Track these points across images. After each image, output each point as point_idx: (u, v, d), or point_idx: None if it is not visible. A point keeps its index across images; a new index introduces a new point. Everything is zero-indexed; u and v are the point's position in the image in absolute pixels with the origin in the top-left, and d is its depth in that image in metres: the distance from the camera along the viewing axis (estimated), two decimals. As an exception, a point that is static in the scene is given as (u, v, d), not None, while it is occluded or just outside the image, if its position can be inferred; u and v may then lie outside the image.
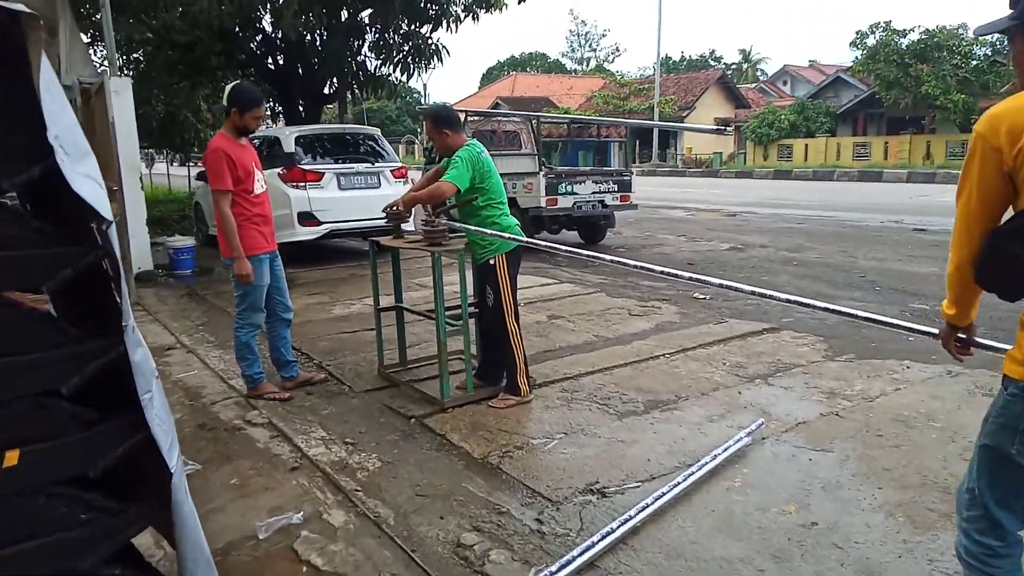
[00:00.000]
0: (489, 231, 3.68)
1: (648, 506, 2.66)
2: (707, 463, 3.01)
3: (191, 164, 18.11)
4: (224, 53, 11.22)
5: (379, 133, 9.84)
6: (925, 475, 2.95)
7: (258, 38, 11.91)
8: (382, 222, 4.58)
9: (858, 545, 2.45)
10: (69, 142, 1.65)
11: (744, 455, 3.18)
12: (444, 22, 11.56)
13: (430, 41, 11.95)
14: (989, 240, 1.59)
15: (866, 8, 78.71)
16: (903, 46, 28.05)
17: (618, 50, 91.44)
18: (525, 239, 3.73)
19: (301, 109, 12.50)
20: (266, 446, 3.49)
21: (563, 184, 9.38)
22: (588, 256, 3.24)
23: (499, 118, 12.30)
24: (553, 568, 2.29)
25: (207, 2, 8.77)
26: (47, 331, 1.72)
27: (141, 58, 14.48)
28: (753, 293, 2.25)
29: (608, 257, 2.97)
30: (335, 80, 12.59)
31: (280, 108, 13.35)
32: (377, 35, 11.83)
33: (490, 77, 60.42)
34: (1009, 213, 1.58)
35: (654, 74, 37.06)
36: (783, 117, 33.01)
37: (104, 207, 1.74)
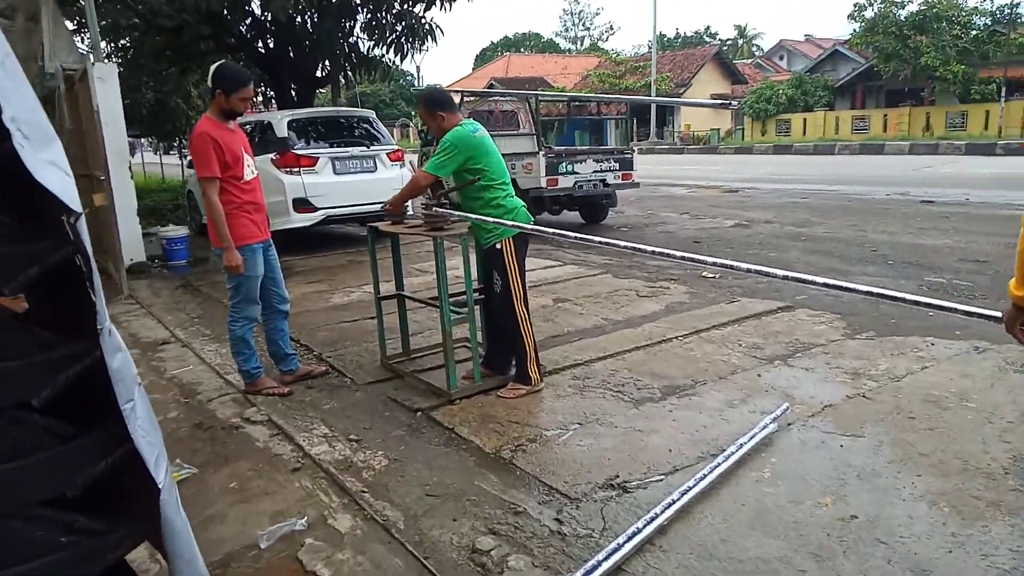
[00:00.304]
0: (491, 218, 3.48)
1: (674, 502, 2.49)
2: (733, 453, 2.84)
3: (176, 152, 17.82)
4: (212, 37, 10.92)
5: (374, 116, 9.58)
6: (966, 460, 2.78)
7: (247, 21, 11.58)
8: (379, 207, 4.44)
9: (903, 540, 2.28)
10: (29, 125, 1.44)
11: (771, 443, 3.01)
12: (437, 1, 11.27)
13: (423, 20, 11.66)
14: None
15: (862, -21, 77.70)
16: (902, 17, 27.67)
17: (612, 29, 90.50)
18: (526, 225, 3.50)
19: (293, 93, 12.21)
20: (266, 445, 3.32)
21: (563, 164, 9.16)
22: (601, 243, 3.04)
23: (496, 98, 12.03)
24: (578, 575, 2.12)
25: (192, -17, 8.49)
26: (16, 337, 1.55)
27: (129, 44, 14.18)
28: (787, 278, 2.05)
29: (624, 243, 2.78)
30: (327, 63, 12.29)
31: (272, 93, 13.05)
32: (369, 15, 11.53)
33: (483, 58, 59.75)
34: None
35: (650, 51, 36.63)
36: (781, 92, 32.66)
37: (72, 198, 1.54)
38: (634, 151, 10.09)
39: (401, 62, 12.48)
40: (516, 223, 3.52)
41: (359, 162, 8.53)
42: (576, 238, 2.79)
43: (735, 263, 2.18)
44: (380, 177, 8.47)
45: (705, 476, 2.66)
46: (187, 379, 4.34)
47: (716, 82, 37.80)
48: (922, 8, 27.20)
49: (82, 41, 12.07)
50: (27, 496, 1.49)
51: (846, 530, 2.35)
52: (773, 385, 3.69)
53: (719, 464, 2.76)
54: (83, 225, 1.61)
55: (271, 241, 3.95)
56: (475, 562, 2.29)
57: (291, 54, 11.81)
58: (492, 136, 3.80)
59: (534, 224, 3.80)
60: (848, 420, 3.21)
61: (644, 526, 2.34)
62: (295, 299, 5.82)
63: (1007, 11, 27.03)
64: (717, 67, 39.14)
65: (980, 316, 1.77)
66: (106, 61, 8.05)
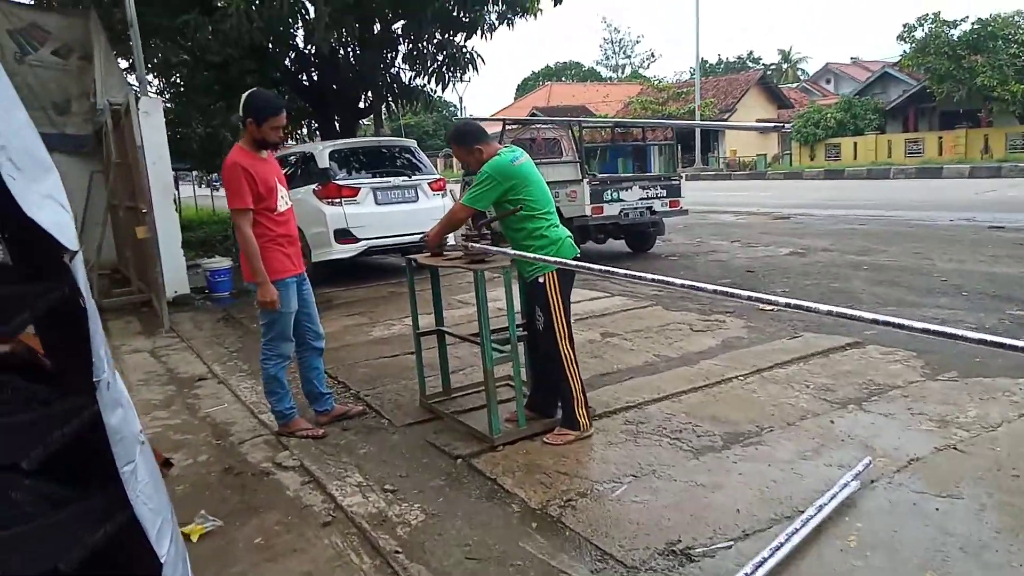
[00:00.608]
0: (530, 254, 3.23)
1: (749, 576, 2.18)
2: (812, 516, 2.51)
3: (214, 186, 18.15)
4: (258, 71, 11.08)
5: (415, 145, 9.51)
6: (1089, 530, 2.40)
7: (291, 54, 11.75)
8: (421, 237, 4.28)
9: (1029, 632, 1.93)
10: (21, 154, 1.27)
11: (854, 504, 2.67)
12: (478, 29, 11.24)
13: (464, 49, 11.63)
14: None
15: (909, 1, 76.45)
16: (954, 37, 26.82)
17: (653, 56, 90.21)
18: (568, 262, 3.18)
19: (337, 125, 12.30)
20: (296, 494, 3.10)
21: (608, 191, 8.92)
22: (625, 275, 2.76)
23: (538, 125, 11.89)
24: (641, 668, 1.83)
25: (236, 19, 8.57)
26: (3, 390, 1.37)
27: (180, 81, 14.55)
28: (888, 324, 1.72)
29: (651, 276, 2.51)
30: (370, 93, 12.36)
31: (316, 125, 13.17)
32: (411, 45, 11.56)
33: (525, 88, 60.19)
34: None
35: (692, 78, 36.30)
36: (829, 115, 31.92)
37: (67, 235, 1.36)
38: (682, 177, 9.79)
39: (443, 91, 12.47)
40: (557, 258, 3.27)
41: (401, 192, 8.42)
42: (600, 270, 2.51)
43: (781, 298, 1.89)
44: (422, 207, 8.34)
45: (782, 545, 2.34)
46: (221, 418, 4.18)
47: (761, 107, 37.21)
48: (976, 27, 26.33)
49: (134, 79, 12.42)
50: (12, 570, 1.30)
51: (956, 617, 2.01)
52: (849, 434, 3.32)
53: (797, 529, 2.43)
54: (79, 263, 1.42)
55: (305, 275, 3.78)
56: (521, 645, 2.01)
57: (334, 86, 11.91)
58: (535, 164, 3.57)
59: (580, 253, 3.56)
60: (941, 477, 2.84)
61: (715, 606, 2.03)
62: (335, 332, 5.67)
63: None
64: (762, 92, 38.57)
65: None
66: (151, 95, 8.14)
